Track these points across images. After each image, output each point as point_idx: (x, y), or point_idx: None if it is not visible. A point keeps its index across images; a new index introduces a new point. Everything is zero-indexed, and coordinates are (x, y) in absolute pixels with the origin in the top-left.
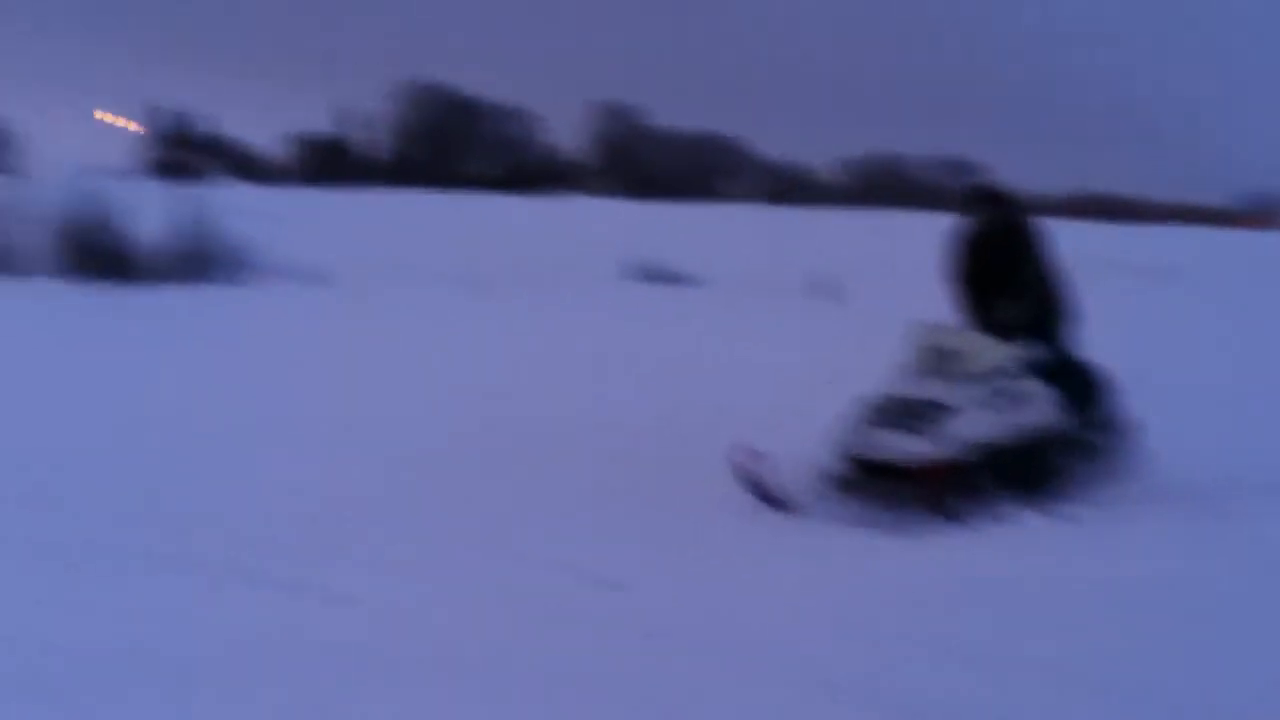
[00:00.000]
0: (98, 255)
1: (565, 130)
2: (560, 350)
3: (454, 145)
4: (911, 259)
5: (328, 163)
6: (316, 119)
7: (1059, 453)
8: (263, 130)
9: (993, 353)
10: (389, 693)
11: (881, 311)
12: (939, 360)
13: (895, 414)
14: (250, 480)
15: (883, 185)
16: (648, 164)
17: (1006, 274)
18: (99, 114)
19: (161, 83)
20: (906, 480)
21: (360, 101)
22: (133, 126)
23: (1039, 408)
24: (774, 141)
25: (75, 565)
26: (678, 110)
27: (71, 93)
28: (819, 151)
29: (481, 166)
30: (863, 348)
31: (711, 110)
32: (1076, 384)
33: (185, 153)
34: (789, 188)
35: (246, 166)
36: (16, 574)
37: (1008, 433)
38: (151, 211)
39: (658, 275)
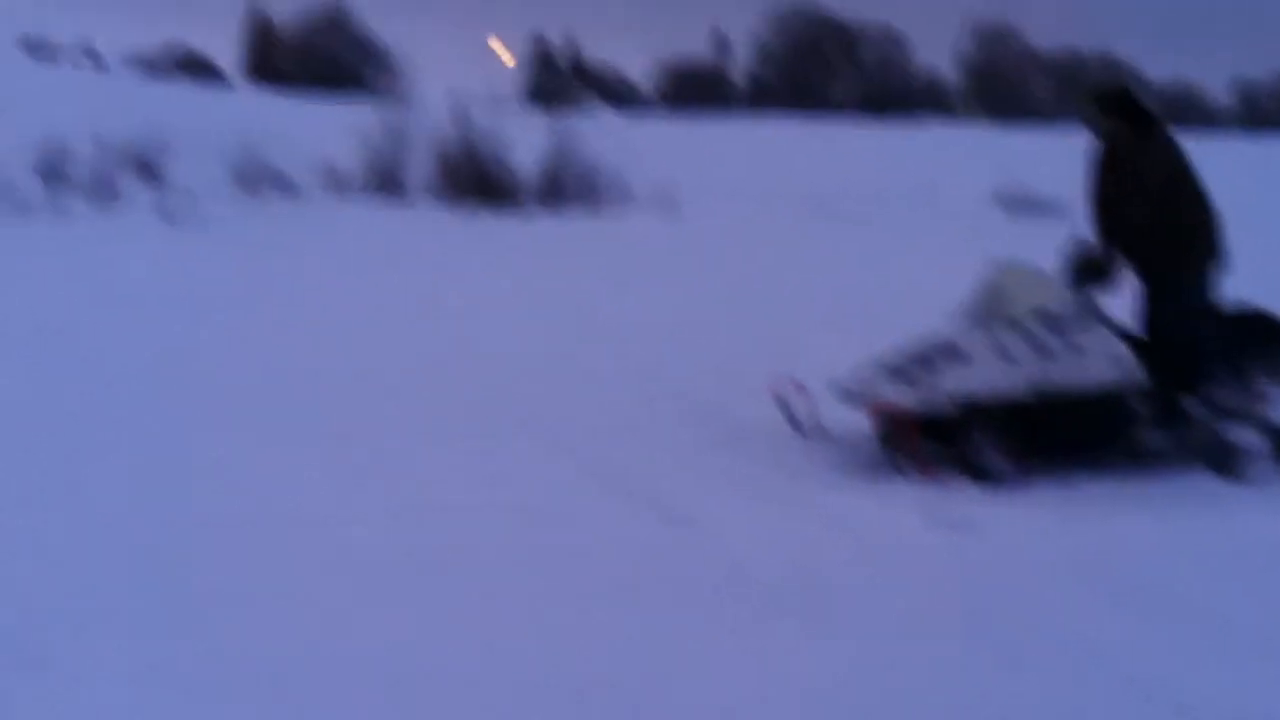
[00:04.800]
0: (474, 182)
1: (935, 51)
2: (907, 274)
3: (820, 69)
4: None
5: (693, 90)
6: (695, 44)
7: (1105, 418)
8: (640, 58)
9: (1041, 296)
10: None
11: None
12: (988, 301)
13: (909, 359)
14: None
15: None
16: (1019, 86)
17: (1125, 197)
18: (491, 41)
19: (545, 9)
20: (891, 429)
21: (737, 26)
22: (508, 56)
23: (1089, 366)
24: (1161, 61)
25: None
26: (1056, 27)
27: (455, 18)
28: (1212, 72)
29: (847, 91)
30: None
31: (1091, 27)
32: (1183, 340)
33: (563, 81)
34: (1171, 111)
35: (619, 94)
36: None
37: (1024, 388)
38: (525, 139)
39: (1023, 205)
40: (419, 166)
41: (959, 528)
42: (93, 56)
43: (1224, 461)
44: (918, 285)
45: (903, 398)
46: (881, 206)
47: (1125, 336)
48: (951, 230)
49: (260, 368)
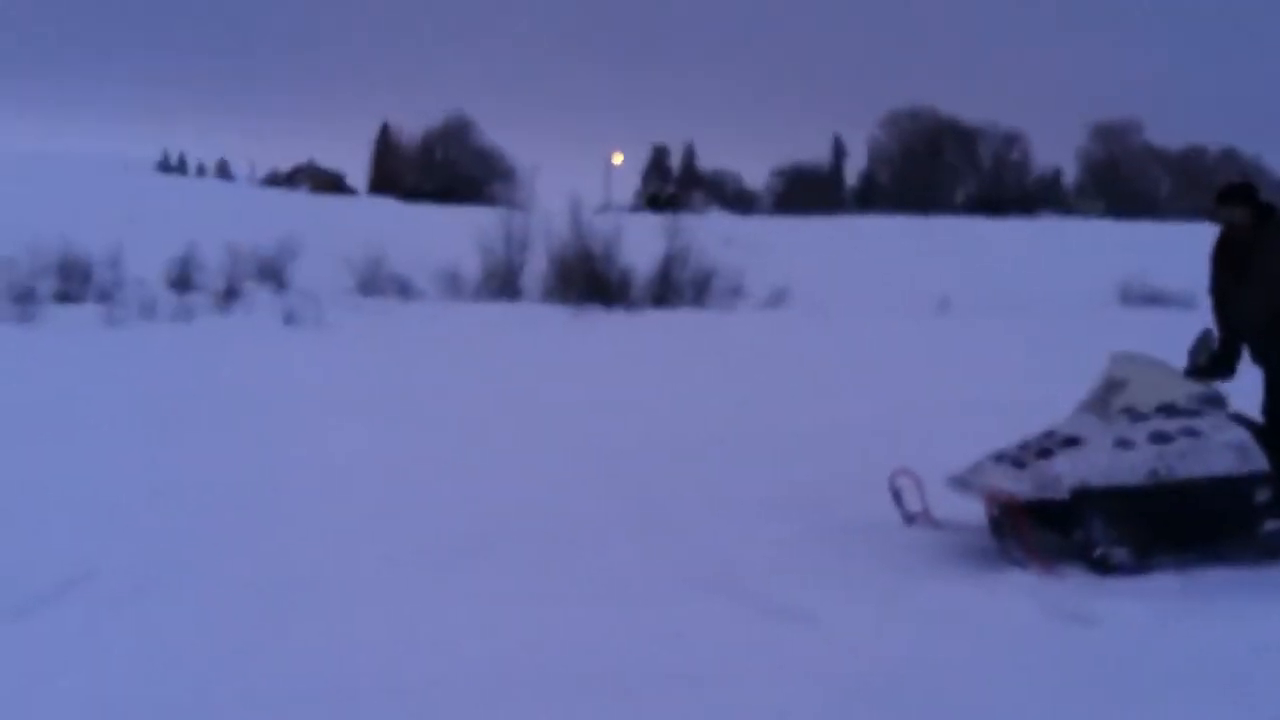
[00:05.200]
0: (586, 282)
1: (1052, 149)
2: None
3: (935, 169)
4: None
5: (808, 193)
6: (813, 149)
7: (1225, 506)
8: (758, 165)
9: (1161, 386)
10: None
11: None
12: (1106, 392)
13: (1024, 447)
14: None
15: None
16: (1140, 182)
17: (1245, 286)
18: (614, 156)
19: (662, 117)
20: (1004, 516)
21: (854, 130)
22: (618, 159)
23: (1210, 454)
24: None
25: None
26: (1178, 125)
27: (574, 125)
28: None
29: (963, 190)
30: None
31: (1215, 123)
32: None
33: (678, 186)
34: None
35: (734, 198)
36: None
37: (1143, 476)
38: (638, 242)
39: (1144, 298)
40: (535, 269)
41: (1076, 619)
42: (225, 175)
43: None
44: (1036, 378)
45: (1015, 484)
46: (998, 300)
47: (1246, 425)
48: (1071, 322)
49: (362, 467)
